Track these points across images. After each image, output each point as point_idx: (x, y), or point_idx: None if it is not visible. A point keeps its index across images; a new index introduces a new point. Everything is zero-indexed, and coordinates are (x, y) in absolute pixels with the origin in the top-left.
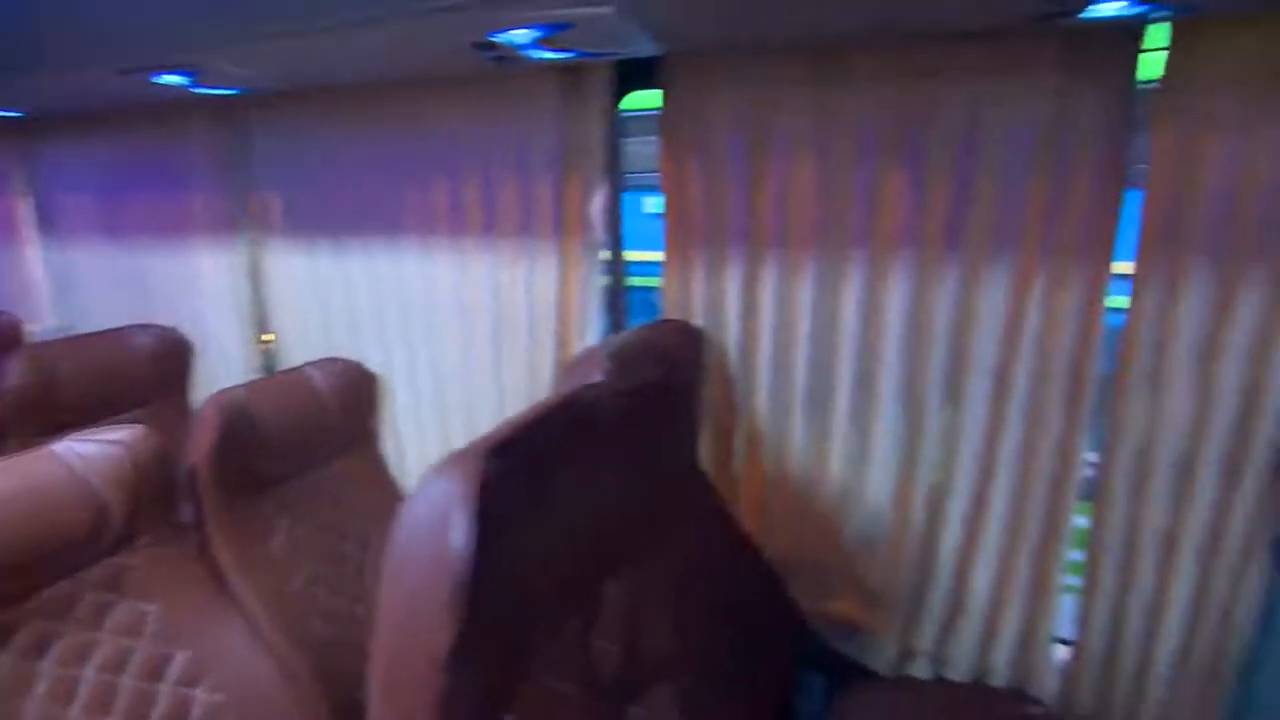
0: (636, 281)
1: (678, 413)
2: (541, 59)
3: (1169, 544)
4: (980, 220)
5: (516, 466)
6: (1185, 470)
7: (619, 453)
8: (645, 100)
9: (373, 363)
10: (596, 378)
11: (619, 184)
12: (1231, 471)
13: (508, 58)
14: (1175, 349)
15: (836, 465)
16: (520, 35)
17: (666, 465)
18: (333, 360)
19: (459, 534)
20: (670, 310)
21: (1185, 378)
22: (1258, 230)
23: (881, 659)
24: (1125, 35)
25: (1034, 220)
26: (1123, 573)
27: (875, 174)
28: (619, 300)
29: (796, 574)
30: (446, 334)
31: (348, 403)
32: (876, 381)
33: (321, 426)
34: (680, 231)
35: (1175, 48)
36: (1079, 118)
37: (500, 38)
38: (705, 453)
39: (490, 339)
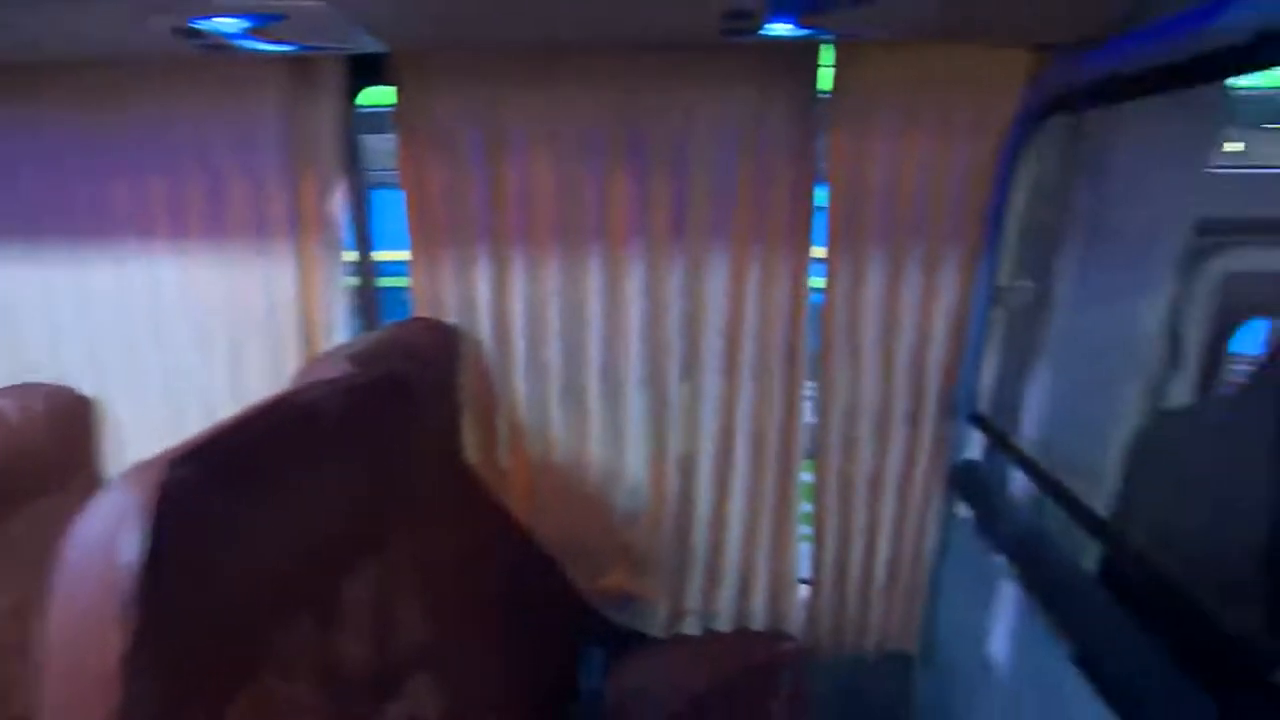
0: (399, 282)
1: (428, 408)
2: (259, 50)
3: (875, 488)
4: (700, 216)
5: (212, 471)
6: (881, 424)
7: (353, 449)
8: (388, 95)
9: (87, 385)
10: (332, 377)
11: (362, 181)
12: (914, 422)
13: (219, 47)
14: (864, 325)
15: (596, 448)
16: (227, 24)
17: (419, 460)
18: (32, 386)
19: (130, 545)
20: (421, 308)
21: (874, 349)
22: (912, 224)
23: (655, 623)
24: (804, 52)
25: (744, 214)
26: (842, 516)
27: (606, 172)
28: (370, 301)
29: (570, 554)
30: (177, 345)
31: (56, 433)
32: (623, 367)
33: (20, 461)
34: (424, 229)
35: (840, 65)
36: (773, 122)
37: (205, 25)
38: (470, 446)
39: (228, 347)
